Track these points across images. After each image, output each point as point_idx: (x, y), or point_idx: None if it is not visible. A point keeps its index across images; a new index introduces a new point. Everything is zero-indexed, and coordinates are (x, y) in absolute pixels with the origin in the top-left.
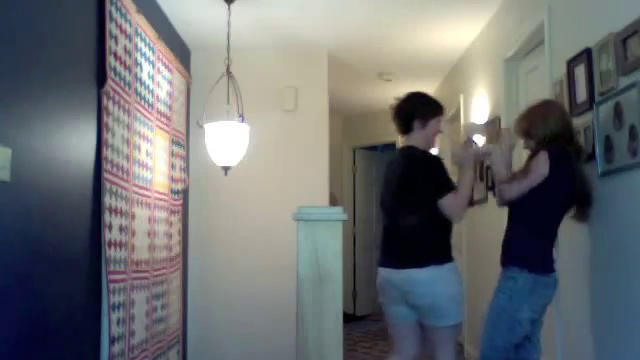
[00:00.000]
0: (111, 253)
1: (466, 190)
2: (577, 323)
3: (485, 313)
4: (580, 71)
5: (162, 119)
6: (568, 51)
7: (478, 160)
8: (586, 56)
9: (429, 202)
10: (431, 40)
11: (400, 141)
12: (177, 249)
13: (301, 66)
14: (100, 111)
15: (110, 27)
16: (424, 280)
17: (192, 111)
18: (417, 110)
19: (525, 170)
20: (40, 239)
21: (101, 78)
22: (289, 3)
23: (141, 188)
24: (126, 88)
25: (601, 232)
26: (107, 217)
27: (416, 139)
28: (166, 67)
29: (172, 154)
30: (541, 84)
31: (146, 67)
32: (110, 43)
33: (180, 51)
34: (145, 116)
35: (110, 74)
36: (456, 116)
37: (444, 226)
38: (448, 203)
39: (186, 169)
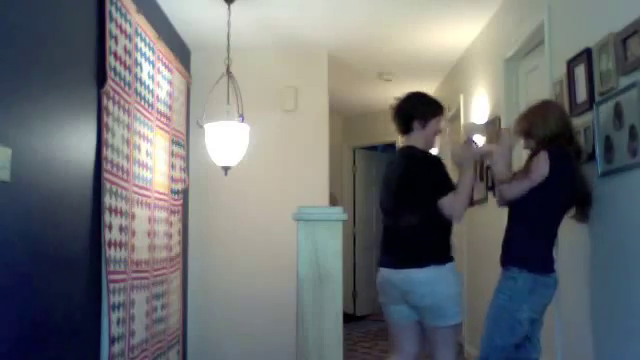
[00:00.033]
0: (111, 253)
1: (466, 190)
2: (577, 323)
3: (486, 313)
4: (580, 71)
5: (162, 119)
6: (568, 51)
7: (478, 160)
8: (586, 56)
9: (429, 202)
10: (431, 40)
11: (400, 141)
12: (177, 249)
13: (301, 66)
14: (100, 111)
15: (110, 27)
16: (424, 280)
17: (192, 111)
18: (417, 110)
19: (525, 170)
20: (40, 239)
21: (101, 78)
22: (289, 3)
23: (141, 188)
24: (126, 88)
25: (601, 232)
26: (107, 217)
27: (416, 139)
28: (166, 67)
29: (172, 154)
30: (541, 84)
31: (146, 67)
32: (110, 43)
33: (180, 51)
34: (145, 116)
35: (110, 74)
36: (456, 116)
37: (444, 226)
38: (448, 203)
39: (186, 169)
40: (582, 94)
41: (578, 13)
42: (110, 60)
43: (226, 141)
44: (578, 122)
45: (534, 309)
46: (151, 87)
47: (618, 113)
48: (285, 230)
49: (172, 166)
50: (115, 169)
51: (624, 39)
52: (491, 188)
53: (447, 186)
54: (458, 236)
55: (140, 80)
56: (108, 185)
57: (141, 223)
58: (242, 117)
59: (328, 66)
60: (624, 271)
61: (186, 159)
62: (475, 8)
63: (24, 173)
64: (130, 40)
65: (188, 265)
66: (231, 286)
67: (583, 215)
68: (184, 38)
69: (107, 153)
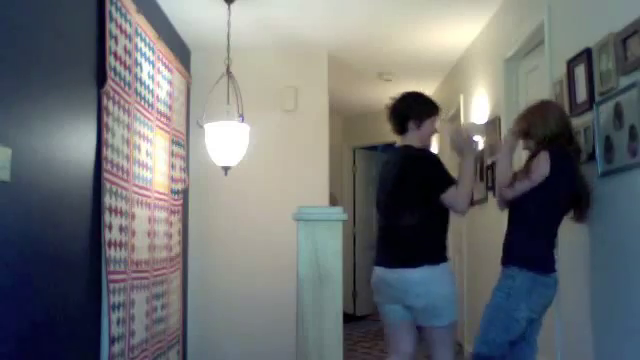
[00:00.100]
0: (111, 253)
1: (468, 179)
2: (577, 323)
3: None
4: (580, 71)
5: (162, 119)
6: (568, 51)
7: (478, 157)
8: (586, 56)
9: (425, 202)
10: (431, 40)
11: (398, 141)
12: (177, 249)
13: (301, 66)
14: (100, 111)
15: (110, 27)
16: (419, 280)
17: (192, 111)
18: (412, 110)
19: (526, 170)
20: (40, 239)
21: (101, 78)
22: (289, 3)
23: (141, 188)
24: (126, 88)
25: (601, 232)
26: (107, 217)
27: (411, 139)
28: (166, 67)
29: (172, 154)
30: (541, 84)
31: (146, 67)
32: (110, 43)
33: (180, 51)
34: (145, 116)
35: (110, 74)
36: (456, 116)
37: (440, 226)
38: (451, 197)
39: (186, 169)
40: (582, 94)
41: (578, 13)
42: (110, 60)
43: (226, 141)
44: (578, 122)
45: (533, 309)
46: (151, 87)
47: (618, 113)
48: (285, 230)
49: (172, 166)
50: (115, 169)
51: (624, 39)
52: (491, 188)
53: (447, 181)
54: (458, 237)
55: (140, 80)
56: (108, 185)
57: (141, 223)
58: (242, 117)
59: (328, 66)
60: (624, 271)
61: (186, 159)
62: (475, 8)
63: (24, 173)
64: (130, 40)
65: (188, 265)
66: (231, 286)
67: (581, 216)
68: (184, 38)
69: (107, 153)
